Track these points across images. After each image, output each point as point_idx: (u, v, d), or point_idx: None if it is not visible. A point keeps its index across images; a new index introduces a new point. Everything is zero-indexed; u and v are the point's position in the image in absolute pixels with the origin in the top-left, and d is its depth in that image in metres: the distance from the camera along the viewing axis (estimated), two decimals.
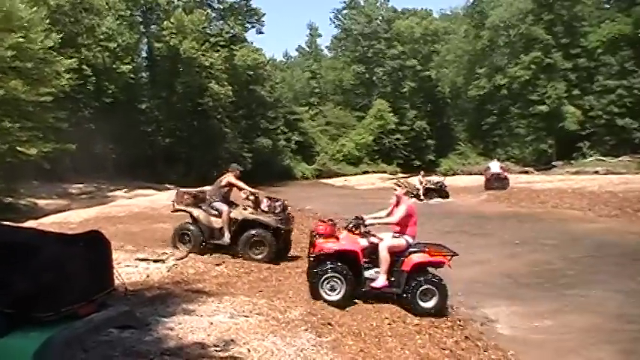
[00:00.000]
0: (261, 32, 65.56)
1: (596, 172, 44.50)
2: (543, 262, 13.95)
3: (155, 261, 10.84)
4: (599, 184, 29.18)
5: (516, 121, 65.81)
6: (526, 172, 50.58)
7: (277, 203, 12.74)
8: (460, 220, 22.54)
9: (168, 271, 10.14)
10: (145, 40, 54.85)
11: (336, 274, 8.70)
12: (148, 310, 7.36)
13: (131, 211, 21.12)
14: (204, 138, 52.23)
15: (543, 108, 60.75)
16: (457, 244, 16.53)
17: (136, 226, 16.35)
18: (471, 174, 50.65)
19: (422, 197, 30.49)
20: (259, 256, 11.78)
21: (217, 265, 10.71)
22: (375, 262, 9.11)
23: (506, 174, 34.22)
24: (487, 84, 67.33)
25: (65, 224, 16.74)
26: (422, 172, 35.35)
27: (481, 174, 37.26)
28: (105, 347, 5.49)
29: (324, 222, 9.52)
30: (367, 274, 8.97)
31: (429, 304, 8.82)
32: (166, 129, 53.06)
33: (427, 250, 9.19)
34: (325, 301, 8.54)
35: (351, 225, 9.46)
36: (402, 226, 9.21)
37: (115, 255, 7.21)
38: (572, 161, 56.88)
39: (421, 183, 32.13)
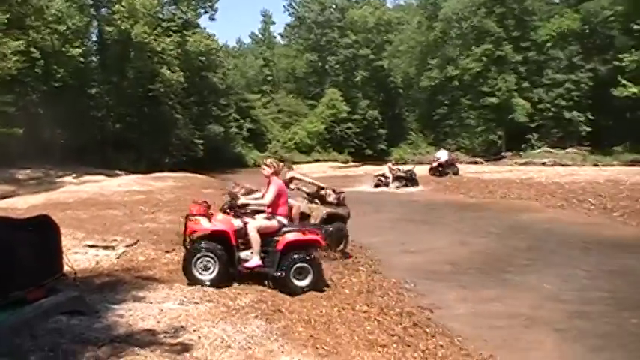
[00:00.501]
0: (213, 19, 64.78)
1: (544, 164, 45.36)
2: (490, 250, 14.24)
3: (105, 247, 10.77)
4: (546, 176, 29.81)
5: (467, 112, 66.49)
6: (476, 163, 51.24)
7: (342, 195, 13.15)
8: (411, 209, 22.83)
9: (118, 257, 10.10)
10: (96, 23, 53.66)
11: (209, 254, 8.67)
12: (97, 296, 7.32)
13: (80, 198, 20.92)
14: (155, 124, 51.59)
15: (493, 100, 61.46)
16: (406, 233, 16.89)
17: (85, 213, 16.21)
18: (422, 163, 51.10)
19: (390, 185, 30.87)
20: (340, 248, 12.25)
21: (167, 252, 10.69)
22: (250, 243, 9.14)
23: (454, 162, 35.65)
24: (439, 75, 67.87)
25: (12, 210, 16.51)
26: (392, 161, 36.86)
27: (429, 163, 37.99)
28: (54, 334, 5.47)
29: (198, 203, 9.49)
30: (243, 254, 8.95)
31: (304, 282, 8.87)
32: (116, 114, 52.20)
33: (301, 229, 9.25)
34: (198, 281, 8.49)
35: (225, 206, 9.57)
36: (274, 206, 9.26)
37: (63, 242, 7.16)
38: (521, 152, 57.82)
39: (391, 171, 32.14)
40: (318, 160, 69.30)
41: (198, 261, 8.69)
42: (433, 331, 7.93)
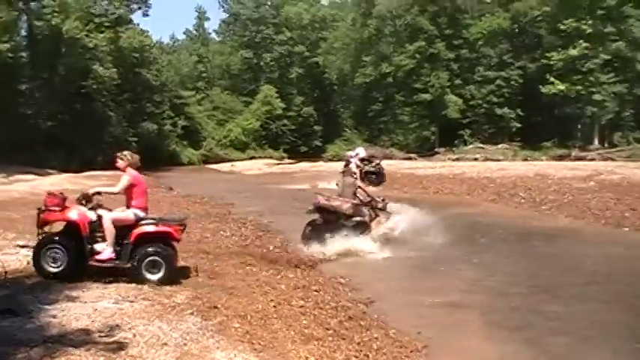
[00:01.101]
0: (147, 14, 63.93)
1: (476, 159, 46.20)
2: (422, 243, 14.52)
3: (23, 247, 10.56)
4: (478, 171, 30.38)
5: (401, 108, 66.98)
6: (410, 159, 51.82)
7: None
8: None
9: None
10: (25, 17, 52.36)
11: (58, 245, 8.46)
12: (28, 297, 7.26)
13: (10, 197, 20.51)
14: (87, 122, 50.19)
15: (427, 96, 62.02)
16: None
17: (17, 213, 15.90)
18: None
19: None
20: None
21: None
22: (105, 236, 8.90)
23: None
24: (373, 72, 68.08)
25: None
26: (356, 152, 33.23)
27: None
28: None
29: (53, 195, 9.11)
30: (98, 247, 8.68)
31: (156, 276, 8.54)
32: (47, 112, 50.75)
33: (156, 222, 9.00)
34: (46, 274, 8.33)
35: (81, 198, 9.24)
36: (128, 198, 9.13)
37: None
38: (454, 148, 58.67)
39: (357, 167, 29.78)
40: (253, 157, 69.21)
41: (47, 253, 8.44)
42: (368, 324, 8.06)
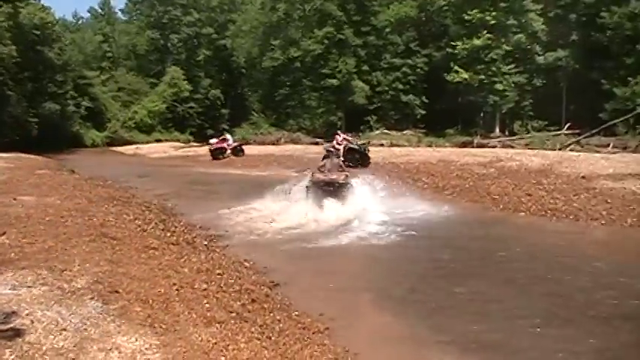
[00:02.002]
0: None
1: (382, 145, 46.77)
2: (325, 224, 14.82)
3: None
4: (383, 156, 30.81)
5: (308, 93, 67.21)
6: (316, 143, 52.09)
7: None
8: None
9: None
10: None
11: None
12: None
13: None
14: None
15: (334, 82, 62.34)
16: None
17: None
18: (264, 143, 51.44)
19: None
20: None
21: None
22: None
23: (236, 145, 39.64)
24: (281, 56, 67.87)
25: None
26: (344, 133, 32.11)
27: (273, 144, 38.99)
28: None
29: None
30: None
31: None
32: None
33: None
34: None
35: None
36: None
37: None
38: (360, 133, 59.30)
39: (339, 144, 28.10)
40: (159, 140, 68.19)
41: None
42: (271, 306, 8.17)
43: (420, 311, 8.50)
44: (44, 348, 5.14)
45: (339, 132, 29.94)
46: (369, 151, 28.22)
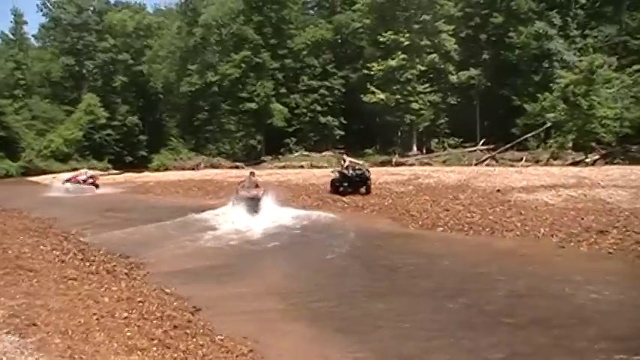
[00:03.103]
0: None
1: (302, 167, 47.10)
2: (238, 248, 14.94)
3: None
4: (303, 178, 31.14)
5: (227, 117, 67.47)
6: (237, 167, 52.07)
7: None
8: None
9: None
10: None
11: None
12: None
13: None
14: None
15: (252, 105, 62.37)
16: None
17: None
18: (184, 169, 51.09)
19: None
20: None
21: None
22: None
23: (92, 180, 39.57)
24: (199, 80, 67.81)
25: None
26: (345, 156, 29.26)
27: (192, 169, 39.02)
28: None
29: None
30: None
31: None
32: None
33: None
34: None
35: None
36: None
37: None
38: (280, 156, 59.56)
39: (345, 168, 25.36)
40: (76, 169, 66.71)
41: None
42: (194, 332, 8.16)
43: (343, 328, 8.61)
44: None
45: (345, 157, 28.10)
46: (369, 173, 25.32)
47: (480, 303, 9.67)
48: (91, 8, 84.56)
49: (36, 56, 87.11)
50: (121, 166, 70.17)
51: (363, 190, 24.03)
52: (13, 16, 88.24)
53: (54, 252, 13.03)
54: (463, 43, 56.67)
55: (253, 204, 20.58)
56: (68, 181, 39.07)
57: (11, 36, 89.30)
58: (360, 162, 29.98)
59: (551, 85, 43.38)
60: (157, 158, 72.28)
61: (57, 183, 40.57)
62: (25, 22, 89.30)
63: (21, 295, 8.52)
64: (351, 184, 24.23)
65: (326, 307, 9.83)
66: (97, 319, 7.82)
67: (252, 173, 23.73)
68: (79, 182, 38.67)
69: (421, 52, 55.99)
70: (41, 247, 13.37)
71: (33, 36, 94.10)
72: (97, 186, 38.77)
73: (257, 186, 22.13)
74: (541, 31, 50.38)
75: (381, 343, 8.05)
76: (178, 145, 76.52)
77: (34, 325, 7.00)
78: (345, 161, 25.92)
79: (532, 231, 15.25)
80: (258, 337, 8.18)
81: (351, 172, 24.52)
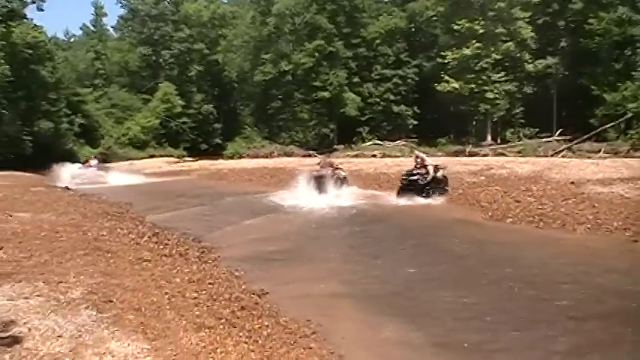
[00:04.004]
0: (41, 9, 61.85)
1: (374, 156, 46.97)
2: (313, 234, 15.05)
3: None
4: (375, 167, 31.05)
5: (300, 106, 67.80)
6: (309, 156, 52.32)
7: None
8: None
9: None
10: None
11: None
12: None
13: None
14: None
15: (325, 94, 62.79)
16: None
17: None
18: (257, 157, 51.65)
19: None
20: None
21: None
22: None
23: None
24: (272, 69, 68.30)
25: None
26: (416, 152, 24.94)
27: (266, 157, 39.09)
28: None
29: None
30: None
31: None
32: None
33: None
34: None
35: None
36: None
37: None
38: (353, 145, 59.58)
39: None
40: (153, 156, 68.28)
41: None
42: (260, 313, 8.28)
43: (405, 314, 8.63)
44: (41, 353, 5.28)
45: (417, 153, 23.30)
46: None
47: (547, 296, 9.47)
48: None
49: (114, 47, 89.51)
50: (196, 153, 71.36)
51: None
52: (93, 9, 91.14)
53: (130, 235, 13.38)
54: (540, 31, 55.58)
55: (320, 182, 22.17)
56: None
57: (92, 28, 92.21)
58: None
59: (633, 73, 42.14)
60: (231, 146, 73.28)
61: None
62: (105, 14, 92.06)
63: (99, 274, 8.78)
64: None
65: (388, 293, 9.82)
66: (168, 298, 8.04)
67: (328, 155, 24.75)
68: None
69: (496, 40, 55.21)
70: (118, 230, 13.74)
71: (112, 27, 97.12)
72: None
73: (332, 166, 23.92)
74: (624, 16, 48.48)
75: (442, 330, 8.01)
76: (252, 134, 77.31)
77: (110, 301, 7.26)
78: (418, 157, 22.12)
79: (604, 224, 14.83)
80: (320, 320, 8.24)
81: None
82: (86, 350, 5.44)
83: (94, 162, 39.63)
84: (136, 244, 12.42)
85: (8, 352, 5.27)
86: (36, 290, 7.48)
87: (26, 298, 7.08)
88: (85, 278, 8.44)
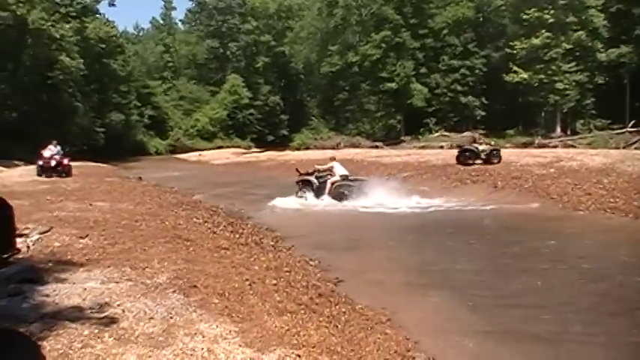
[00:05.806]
0: (113, 4, 63.40)
1: (442, 147, 46.68)
2: (385, 228, 15.27)
3: (19, 235, 10.78)
4: (442, 158, 30.92)
5: (367, 97, 67.84)
6: (376, 147, 52.36)
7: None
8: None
9: (33, 244, 10.19)
10: None
11: None
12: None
13: None
14: (54, 113, 49.46)
15: (392, 85, 62.46)
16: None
17: None
18: (324, 148, 51.83)
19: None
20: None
21: (82, 237, 10.77)
22: None
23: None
24: (339, 61, 68.39)
25: None
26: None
27: (332, 148, 39.20)
28: None
29: None
30: None
31: None
32: (13, 103, 50.12)
33: None
34: None
35: None
36: None
37: None
38: (420, 136, 59.39)
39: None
40: (220, 147, 69.24)
41: None
42: (336, 300, 8.55)
43: (479, 305, 8.79)
44: (137, 332, 5.63)
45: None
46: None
47: (620, 289, 9.54)
48: None
49: (183, 40, 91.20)
50: (262, 144, 72.17)
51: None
52: (163, 3, 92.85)
53: (205, 224, 13.82)
54: (613, 19, 54.06)
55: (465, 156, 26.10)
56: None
57: (161, 21, 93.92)
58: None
59: None
60: (298, 137, 73.81)
61: None
62: (174, 8, 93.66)
63: (181, 261, 9.18)
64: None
65: (460, 283, 9.97)
66: (249, 284, 8.32)
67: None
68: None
69: (566, 30, 54.05)
70: (194, 219, 14.19)
71: (180, 21, 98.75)
72: (65, 172, 26.59)
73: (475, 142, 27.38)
74: None
75: (511, 320, 8.13)
76: (319, 125, 77.66)
77: (195, 287, 7.61)
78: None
79: None
80: (394, 307, 8.49)
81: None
82: (178, 331, 5.77)
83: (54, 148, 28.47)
84: (213, 232, 12.85)
85: (107, 330, 5.66)
86: (124, 275, 7.91)
87: (116, 282, 7.50)
88: (169, 264, 8.87)
